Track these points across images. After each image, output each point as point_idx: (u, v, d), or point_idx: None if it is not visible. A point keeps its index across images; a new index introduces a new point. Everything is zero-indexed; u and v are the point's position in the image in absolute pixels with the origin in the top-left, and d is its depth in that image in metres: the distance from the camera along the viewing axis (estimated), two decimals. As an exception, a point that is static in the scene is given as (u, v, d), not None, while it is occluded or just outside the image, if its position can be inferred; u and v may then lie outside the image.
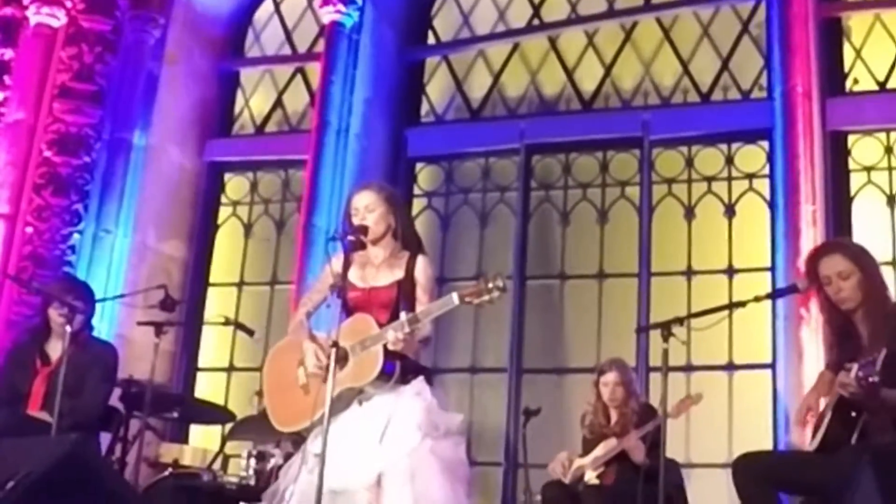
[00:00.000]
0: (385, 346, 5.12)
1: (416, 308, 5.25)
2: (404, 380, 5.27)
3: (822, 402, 5.46)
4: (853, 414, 5.05)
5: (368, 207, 5.47)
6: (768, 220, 8.93)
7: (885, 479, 4.49)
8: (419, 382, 5.32)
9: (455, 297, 5.06)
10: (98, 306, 7.72)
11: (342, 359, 5.11)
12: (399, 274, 5.43)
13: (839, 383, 5.01)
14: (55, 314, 6.99)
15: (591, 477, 7.23)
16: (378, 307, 5.33)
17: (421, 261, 5.50)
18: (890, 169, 8.84)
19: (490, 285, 5.00)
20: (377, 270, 5.47)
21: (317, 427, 5.12)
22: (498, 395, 9.43)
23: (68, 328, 6.42)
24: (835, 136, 8.91)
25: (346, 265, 5.41)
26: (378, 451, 5.08)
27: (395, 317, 5.22)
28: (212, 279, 10.70)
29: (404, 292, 5.38)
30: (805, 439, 5.51)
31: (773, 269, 8.67)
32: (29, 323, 8.32)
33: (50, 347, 7.10)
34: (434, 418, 5.19)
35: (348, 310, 5.35)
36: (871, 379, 4.79)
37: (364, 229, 5.40)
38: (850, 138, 8.98)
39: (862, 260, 5.40)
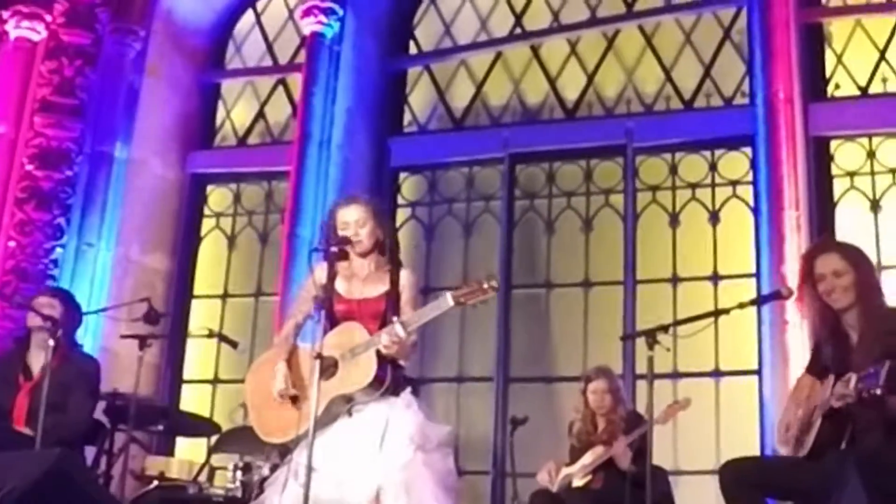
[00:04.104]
0: (378, 353, 5.12)
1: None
2: (394, 390, 5.27)
3: (800, 412, 5.47)
4: (843, 420, 5.04)
5: (359, 222, 5.49)
6: (752, 227, 8.93)
7: (871, 483, 4.49)
8: (408, 394, 5.34)
9: (449, 298, 5.10)
10: (82, 321, 7.66)
11: (329, 368, 5.12)
12: (385, 286, 5.45)
13: (837, 395, 4.96)
14: (36, 327, 6.94)
15: (578, 485, 7.22)
16: (368, 318, 5.35)
17: (406, 273, 5.54)
18: (872, 174, 8.86)
19: (485, 286, 5.04)
20: (363, 283, 5.49)
21: (306, 438, 5.10)
22: (485, 404, 9.42)
23: (51, 342, 6.35)
24: (817, 141, 8.94)
25: (332, 276, 5.40)
26: (376, 463, 5.06)
27: (383, 327, 5.24)
28: (196, 291, 10.67)
29: (391, 303, 5.39)
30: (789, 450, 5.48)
31: (757, 275, 8.68)
32: (13, 337, 8.27)
33: (32, 360, 7.03)
34: (426, 430, 5.20)
35: (335, 321, 5.35)
36: (873, 391, 4.76)
37: (347, 240, 5.41)
38: (833, 144, 9.01)
39: (857, 260, 5.37)
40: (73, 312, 7.15)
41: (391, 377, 5.25)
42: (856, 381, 4.85)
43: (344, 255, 5.44)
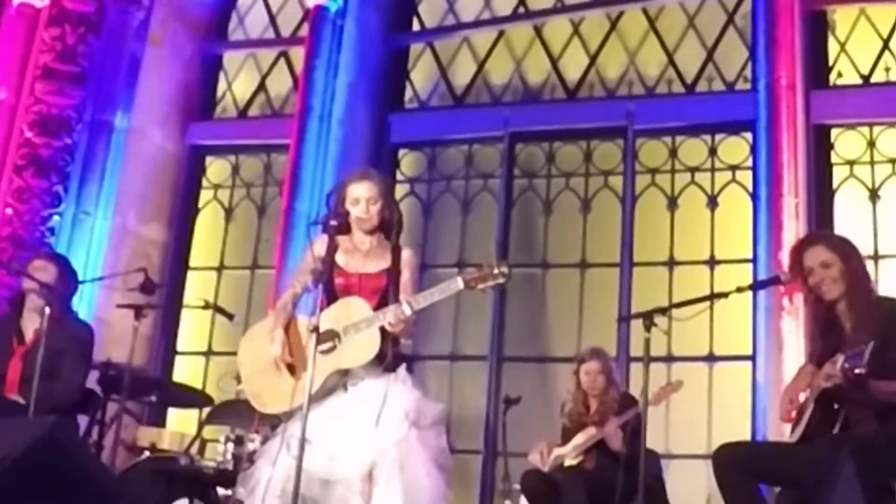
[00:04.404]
0: (381, 329, 5.13)
1: (399, 298, 5.26)
2: (390, 366, 5.27)
3: (802, 396, 5.48)
4: (835, 406, 5.05)
5: (372, 200, 5.46)
6: (751, 212, 8.93)
7: (865, 469, 4.50)
8: (403, 371, 5.33)
9: (460, 281, 5.12)
10: (78, 289, 7.63)
11: (329, 340, 5.12)
12: (387, 263, 5.45)
13: (824, 375, 5.00)
14: (30, 291, 6.91)
15: (570, 465, 7.24)
16: (368, 294, 5.34)
17: (407, 252, 5.54)
18: (872, 163, 8.86)
19: (496, 271, 5.08)
20: (365, 257, 5.47)
21: (300, 411, 5.08)
22: (478, 382, 9.42)
23: (47, 309, 6.33)
24: (818, 129, 8.94)
25: (332, 249, 5.38)
26: (371, 438, 5.06)
27: (383, 304, 5.24)
28: (192, 263, 10.69)
29: (392, 281, 5.39)
30: (785, 431, 5.50)
31: (754, 260, 8.69)
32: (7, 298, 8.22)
33: (25, 323, 6.98)
34: (422, 407, 5.21)
35: (334, 294, 5.34)
36: (857, 371, 4.79)
37: (347, 214, 5.40)
38: (834, 132, 9.01)
39: (844, 251, 5.39)
40: (67, 278, 7.11)
41: (392, 354, 5.26)
42: (842, 361, 4.88)
43: (345, 229, 5.44)
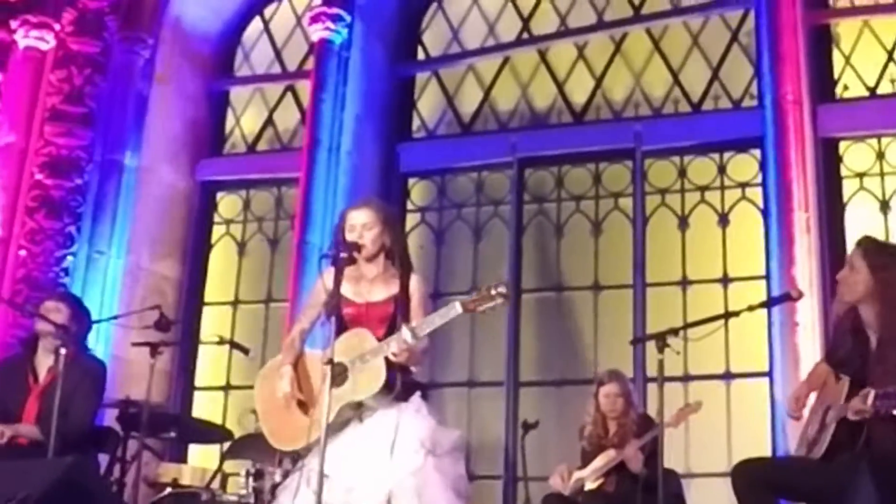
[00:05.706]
0: (387, 359, 5.12)
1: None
2: (404, 395, 5.27)
3: (813, 396, 5.51)
4: (858, 425, 5.03)
5: (366, 226, 5.48)
6: (762, 229, 8.92)
7: (883, 485, 4.50)
8: (417, 399, 5.33)
9: (458, 305, 5.11)
10: (93, 328, 7.66)
11: (340, 374, 5.12)
12: (394, 290, 5.45)
13: (854, 409, 4.96)
14: (43, 332, 6.95)
15: (590, 489, 7.23)
16: (376, 322, 5.36)
17: (415, 278, 5.54)
18: (882, 175, 8.85)
19: (493, 292, 5.05)
20: (371, 285, 5.49)
21: (318, 445, 5.10)
22: (496, 408, 9.41)
23: (63, 350, 6.35)
24: (826, 142, 8.92)
25: (339, 281, 5.39)
26: (387, 468, 5.07)
27: (391, 331, 5.25)
28: (206, 298, 10.68)
29: (400, 308, 5.39)
30: (797, 435, 5.52)
31: (767, 277, 8.65)
32: (20, 339, 8.26)
33: (39, 364, 7.05)
34: (437, 435, 5.21)
35: (344, 325, 5.35)
36: (890, 411, 4.78)
37: (357, 246, 5.41)
38: (842, 145, 8.99)
39: (879, 264, 5.33)
40: (81, 317, 7.16)
41: (400, 383, 5.25)
42: (873, 399, 4.85)
43: (351, 261, 5.45)
